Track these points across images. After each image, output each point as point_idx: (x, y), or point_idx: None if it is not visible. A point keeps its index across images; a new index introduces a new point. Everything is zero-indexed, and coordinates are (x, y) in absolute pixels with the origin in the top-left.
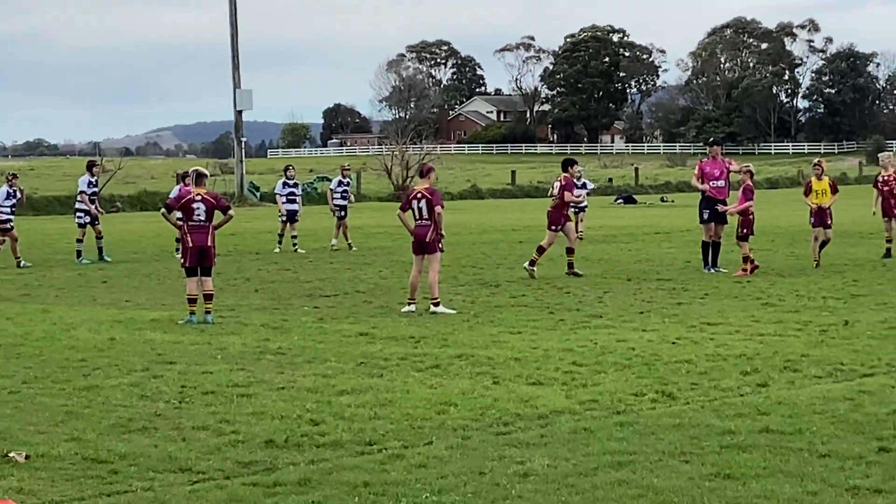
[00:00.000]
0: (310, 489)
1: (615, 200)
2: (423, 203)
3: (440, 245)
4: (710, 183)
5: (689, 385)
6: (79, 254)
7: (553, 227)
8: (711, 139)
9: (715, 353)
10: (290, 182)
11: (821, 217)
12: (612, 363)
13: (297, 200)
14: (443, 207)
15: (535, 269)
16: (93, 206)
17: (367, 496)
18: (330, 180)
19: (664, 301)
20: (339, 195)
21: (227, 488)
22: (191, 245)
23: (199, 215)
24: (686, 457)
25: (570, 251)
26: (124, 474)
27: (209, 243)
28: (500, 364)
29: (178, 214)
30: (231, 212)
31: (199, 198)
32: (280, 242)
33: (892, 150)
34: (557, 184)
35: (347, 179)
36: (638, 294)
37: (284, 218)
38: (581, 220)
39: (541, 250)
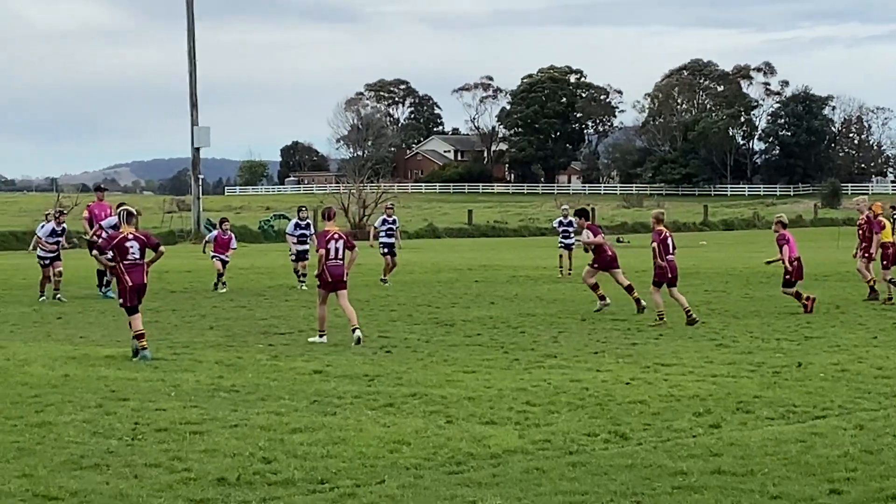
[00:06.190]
0: None
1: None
2: (339, 244)
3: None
4: (102, 223)
5: (642, 425)
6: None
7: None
8: (98, 185)
9: (668, 393)
10: (303, 224)
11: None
12: (566, 403)
13: (307, 241)
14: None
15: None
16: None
17: None
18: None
19: (619, 341)
20: (382, 233)
21: None
22: (130, 284)
23: (133, 254)
24: (638, 497)
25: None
26: None
27: (146, 280)
28: (454, 403)
29: (110, 255)
30: (162, 248)
31: (131, 237)
32: (302, 279)
33: (846, 193)
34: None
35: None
36: (593, 334)
37: (294, 257)
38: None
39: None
